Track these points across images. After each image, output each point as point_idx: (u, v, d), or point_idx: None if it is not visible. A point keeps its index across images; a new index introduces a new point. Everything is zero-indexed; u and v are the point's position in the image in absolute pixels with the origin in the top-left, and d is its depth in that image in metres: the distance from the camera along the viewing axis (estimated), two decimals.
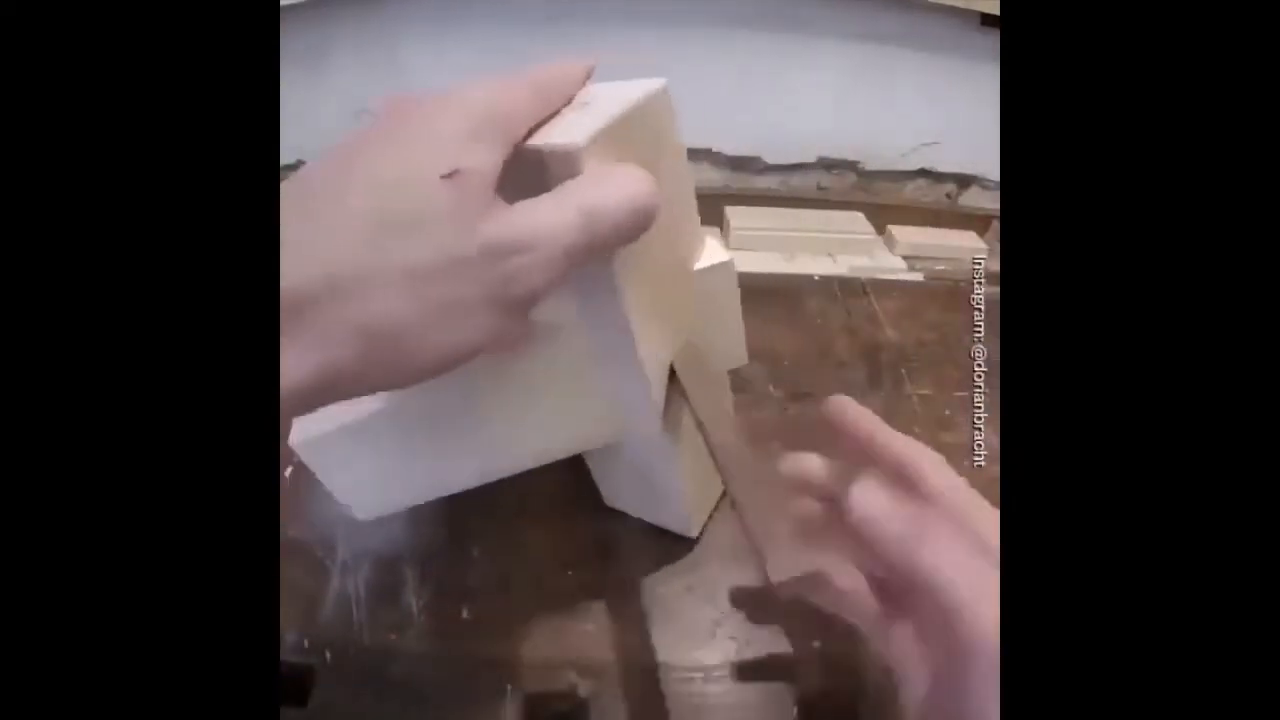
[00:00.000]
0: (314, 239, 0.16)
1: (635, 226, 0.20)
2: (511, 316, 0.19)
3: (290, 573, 0.36)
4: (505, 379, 0.28)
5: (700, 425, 0.26)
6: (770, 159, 0.76)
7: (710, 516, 0.38)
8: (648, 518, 0.37)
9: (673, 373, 0.28)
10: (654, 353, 0.27)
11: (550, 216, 0.18)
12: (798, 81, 0.71)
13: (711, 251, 0.29)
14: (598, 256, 0.20)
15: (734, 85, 0.71)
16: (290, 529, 0.37)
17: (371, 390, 0.18)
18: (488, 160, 0.18)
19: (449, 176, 0.17)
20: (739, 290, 0.30)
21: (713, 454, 0.25)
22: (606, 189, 0.19)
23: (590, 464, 0.37)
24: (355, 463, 0.30)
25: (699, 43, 0.69)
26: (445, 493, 0.31)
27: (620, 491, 0.37)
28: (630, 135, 0.22)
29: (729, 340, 0.32)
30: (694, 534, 0.37)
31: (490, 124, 0.19)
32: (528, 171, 0.20)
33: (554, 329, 0.26)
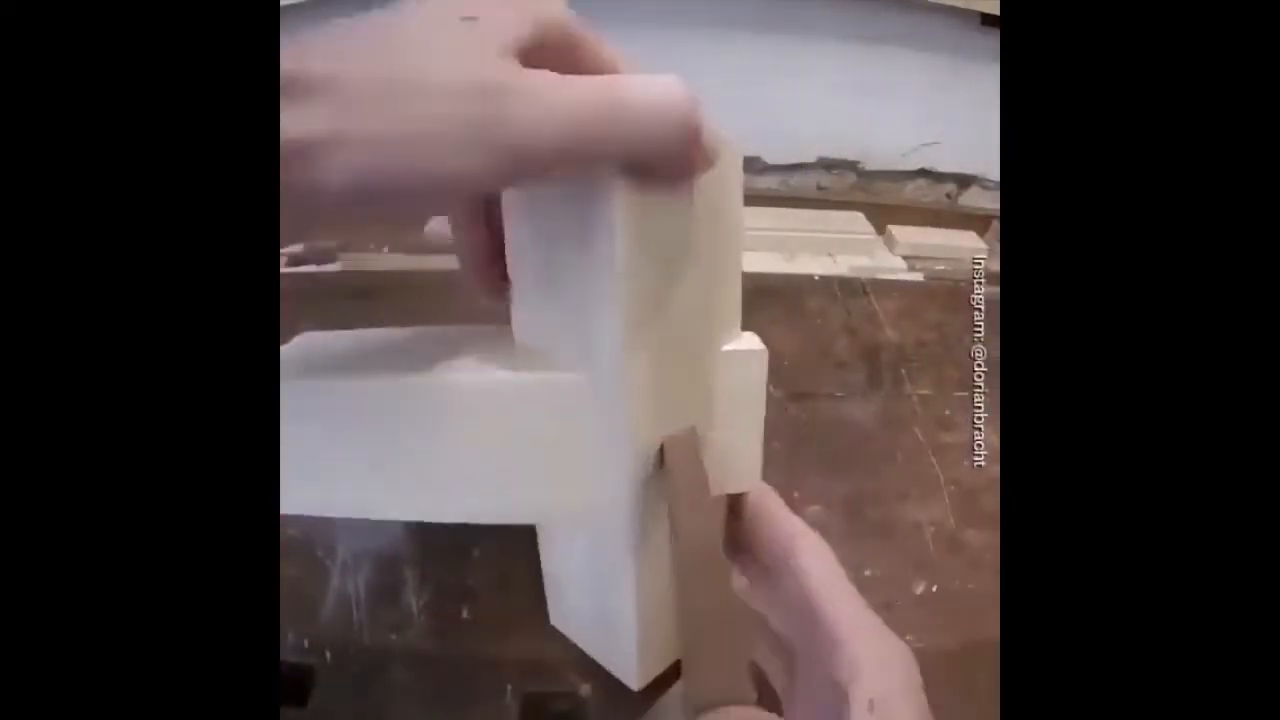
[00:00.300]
0: (325, 42, 0.16)
1: (663, 132, 0.18)
2: (498, 161, 0.17)
3: (290, 573, 0.36)
4: (482, 415, 0.23)
5: (672, 525, 0.22)
6: (770, 159, 0.76)
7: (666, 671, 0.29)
8: (591, 651, 0.30)
9: (662, 461, 0.23)
10: (644, 421, 0.22)
11: (565, 82, 0.17)
12: (798, 81, 0.71)
13: (746, 339, 0.25)
14: (615, 153, 0.18)
15: (734, 85, 0.71)
16: (290, 529, 0.37)
17: (339, 199, 0.17)
18: (521, 31, 0.17)
19: (469, 19, 0.17)
20: (764, 391, 0.25)
21: (675, 563, 0.21)
22: (640, 84, 0.18)
23: (544, 570, 0.31)
24: (292, 451, 0.24)
25: (699, 43, 0.69)
26: (373, 516, 0.25)
27: (568, 609, 0.30)
28: None
29: (743, 449, 0.26)
30: (638, 685, 0.28)
31: (547, 28, 0.18)
32: None
33: (545, 359, 0.23)
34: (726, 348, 0.24)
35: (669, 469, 0.22)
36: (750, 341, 0.25)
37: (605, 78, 0.18)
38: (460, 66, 0.16)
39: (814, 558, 0.24)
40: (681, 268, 0.21)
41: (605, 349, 0.21)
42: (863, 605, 0.22)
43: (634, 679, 0.28)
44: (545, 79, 0.17)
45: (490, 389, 0.22)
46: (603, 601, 0.27)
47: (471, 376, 0.22)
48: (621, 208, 0.19)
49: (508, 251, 0.23)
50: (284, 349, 0.27)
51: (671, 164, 0.19)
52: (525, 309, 0.24)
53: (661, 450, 0.23)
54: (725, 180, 0.22)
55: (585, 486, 0.23)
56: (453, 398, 0.22)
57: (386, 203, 0.17)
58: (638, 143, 0.18)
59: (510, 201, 0.23)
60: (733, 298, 0.24)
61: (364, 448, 0.23)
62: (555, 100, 0.17)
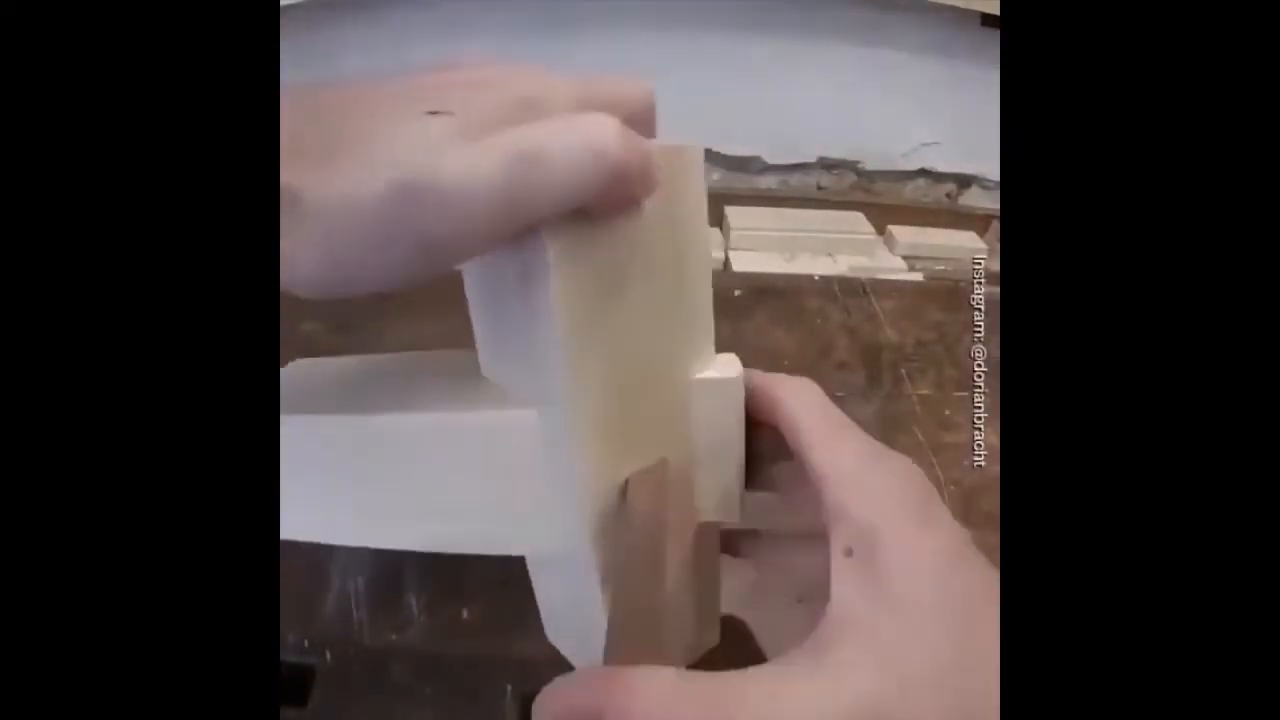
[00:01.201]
0: (297, 143, 0.16)
1: (589, 179, 0.17)
2: (424, 257, 0.17)
3: (290, 573, 0.36)
4: (436, 451, 0.23)
5: (619, 566, 0.21)
6: (770, 159, 0.76)
7: None
8: (581, 668, 0.30)
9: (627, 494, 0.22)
10: (599, 457, 0.21)
11: (474, 160, 0.16)
12: (798, 81, 0.72)
13: (722, 365, 0.23)
14: (544, 209, 0.17)
15: (734, 86, 0.72)
16: None
17: (312, 296, 0.17)
18: (496, 114, 0.17)
19: (436, 113, 0.16)
20: (743, 419, 0.24)
21: (610, 606, 0.21)
22: (563, 133, 0.16)
23: (535, 591, 0.30)
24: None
25: (700, 44, 0.70)
26: (339, 542, 0.25)
27: (558, 628, 0.30)
28: None
29: (721, 480, 0.24)
30: None
31: (531, 106, 0.17)
32: None
33: (502, 394, 0.23)
34: (698, 375, 0.23)
35: (629, 508, 0.21)
36: (725, 367, 0.23)
37: (526, 133, 0.17)
38: (384, 169, 0.16)
39: (797, 401, 0.21)
40: (634, 294, 0.20)
41: (551, 385, 0.20)
42: (849, 434, 0.21)
43: None
44: (463, 159, 0.16)
45: (441, 426, 0.22)
46: (585, 626, 0.27)
47: (421, 416, 0.22)
48: (553, 245, 0.18)
49: (465, 286, 0.23)
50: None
51: (605, 205, 0.18)
52: (482, 343, 0.24)
53: (625, 487, 0.22)
54: (683, 192, 0.21)
55: (544, 522, 0.23)
56: (409, 434, 0.22)
57: (351, 296, 0.17)
58: (563, 196, 0.17)
59: None
60: (703, 318, 0.23)
61: (329, 478, 0.23)
62: (471, 182, 0.16)
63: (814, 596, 0.23)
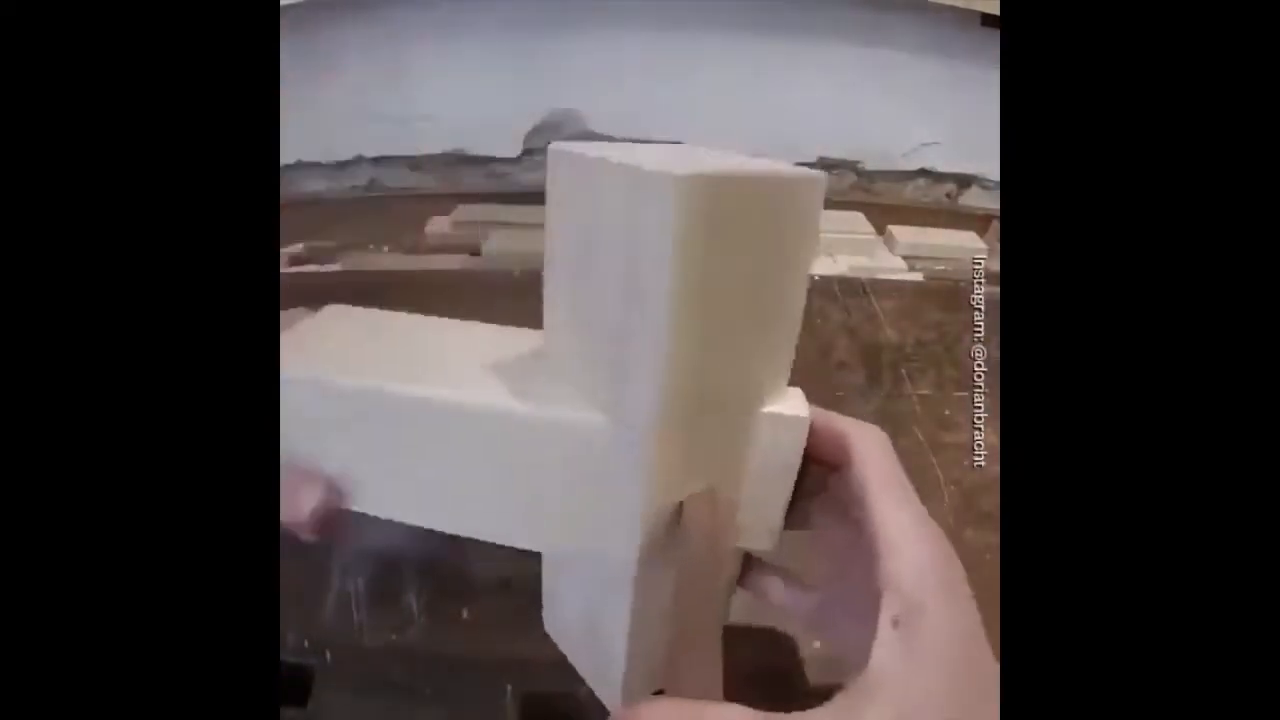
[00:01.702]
0: None
1: None
2: None
3: (290, 573, 0.36)
4: (496, 443, 0.22)
5: (678, 590, 0.21)
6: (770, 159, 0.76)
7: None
8: (578, 665, 0.29)
9: (680, 517, 0.22)
10: (667, 479, 0.21)
11: None
12: (798, 81, 0.72)
13: (791, 400, 0.23)
14: None
15: (734, 86, 0.72)
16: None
17: None
18: None
19: None
20: (801, 457, 0.23)
21: (676, 637, 0.21)
22: None
23: (544, 578, 0.30)
24: (316, 440, 0.24)
25: (700, 44, 0.69)
26: (384, 515, 0.25)
27: (561, 620, 0.30)
28: (755, 207, 0.19)
29: (764, 513, 0.24)
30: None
31: None
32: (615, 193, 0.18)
33: (571, 390, 0.22)
34: (767, 409, 0.23)
35: (686, 530, 0.21)
36: (793, 404, 0.23)
37: None
38: None
39: (869, 454, 0.22)
40: (737, 320, 0.20)
41: (639, 407, 0.20)
42: (910, 503, 0.21)
43: (616, 704, 0.27)
44: None
45: (507, 418, 0.22)
46: (596, 624, 0.27)
47: (489, 402, 0.22)
48: (676, 269, 0.18)
49: (545, 273, 0.22)
50: (311, 318, 0.27)
51: None
52: (554, 332, 0.23)
53: (680, 508, 0.22)
54: (802, 222, 0.21)
55: (595, 529, 0.23)
56: (469, 420, 0.22)
57: None
58: None
59: (557, 213, 0.22)
60: (786, 350, 0.23)
61: (379, 450, 0.23)
62: None
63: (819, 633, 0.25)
